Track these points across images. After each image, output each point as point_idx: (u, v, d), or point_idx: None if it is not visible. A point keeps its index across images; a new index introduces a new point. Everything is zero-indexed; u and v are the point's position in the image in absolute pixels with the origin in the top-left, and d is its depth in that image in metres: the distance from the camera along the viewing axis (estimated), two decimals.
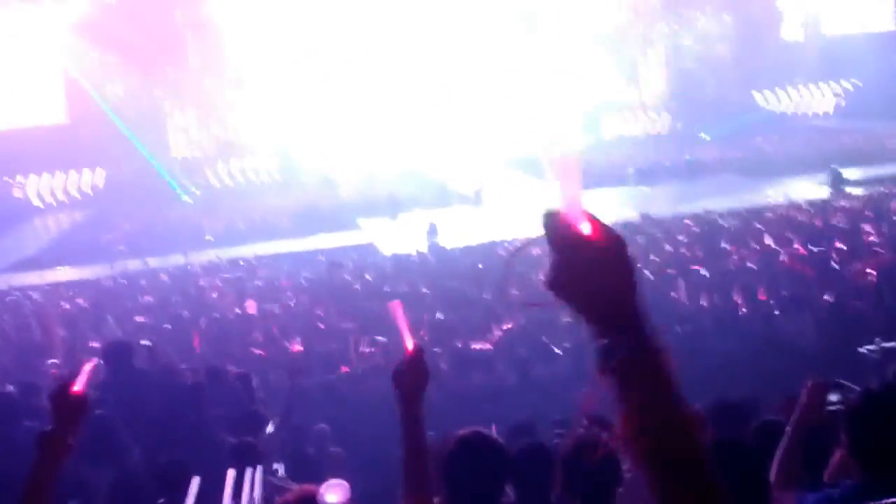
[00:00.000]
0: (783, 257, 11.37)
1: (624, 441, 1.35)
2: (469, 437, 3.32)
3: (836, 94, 35.23)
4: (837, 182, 20.89)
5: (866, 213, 15.24)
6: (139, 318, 12.11)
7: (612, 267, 1.35)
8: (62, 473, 2.71)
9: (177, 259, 19.18)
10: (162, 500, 4.82)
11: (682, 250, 13.20)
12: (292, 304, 12.79)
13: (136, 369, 7.25)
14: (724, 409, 4.59)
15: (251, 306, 12.41)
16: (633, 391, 1.35)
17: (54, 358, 9.29)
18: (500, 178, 27.79)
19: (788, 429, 3.62)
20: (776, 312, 9.08)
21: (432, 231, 18.99)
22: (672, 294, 10.19)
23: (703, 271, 11.16)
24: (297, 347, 9.13)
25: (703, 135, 32.61)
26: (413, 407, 2.88)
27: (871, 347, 7.20)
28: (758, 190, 21.76)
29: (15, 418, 6.10)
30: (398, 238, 20.20)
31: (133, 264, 18.77)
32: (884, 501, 2.69)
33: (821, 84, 35.35)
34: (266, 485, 4.43)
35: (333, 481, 2.53)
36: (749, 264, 11.47)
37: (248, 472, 4.18)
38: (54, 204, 30.58)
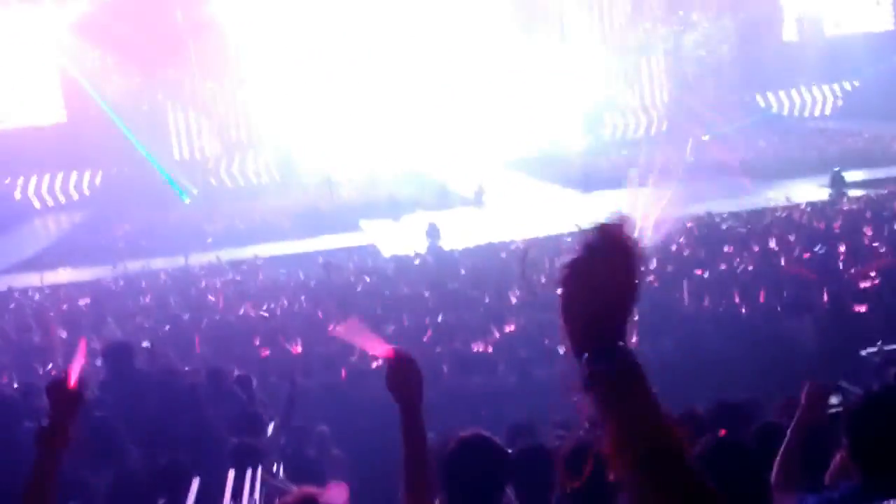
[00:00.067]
0: (783, 261, 11.37)
1: (609, 457, 1.35)
2: (469, 439, 3.32)
3: (836, 96, 35.26)
4: (839, 184, 20.89)
5: (867, 214, 15.25)
6: (139, 319, 12.12)
7: (625, 285, 1.36)
8: (63, 472, 2.72)
9: (177, 260, 19.17)
10: (162, 501, 4.82)
11: (684, 252, 13.21)
12: (290, 304, 12.79)
13: (136, 370, 7.25)
14: (725, 411, 4.59)
15: (251, 308, 12.41)
16: (618, 408, 1.35)
17: (54, 359, 9.30)
18: (501, 179, 27.80)
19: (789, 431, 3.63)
20: (777, 314, 9.08)
21: (433, 232, 18.97)
22: (675, 296, 10.19)
23: (705, 274, 11.15)
24: (298, 349, 9.14)
25: (704, 136, 32.61)
26: (411, 410, 2.88)
27: (871, 350, 7.20)
28: (759, 192, 21.75)
29: (16, 419, 6.10)
30: (400, 239, 20.20)
31: (133, 265, 18.76)
32: None
33: (823, 85, 35.39)
34: (266, 486, 4.43)
35: (333, 483, 2.53)
36: (750, 267, 11.47)
37: (248, 473, 4.18)
38: (50, 204, 30.58)
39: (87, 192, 31.13)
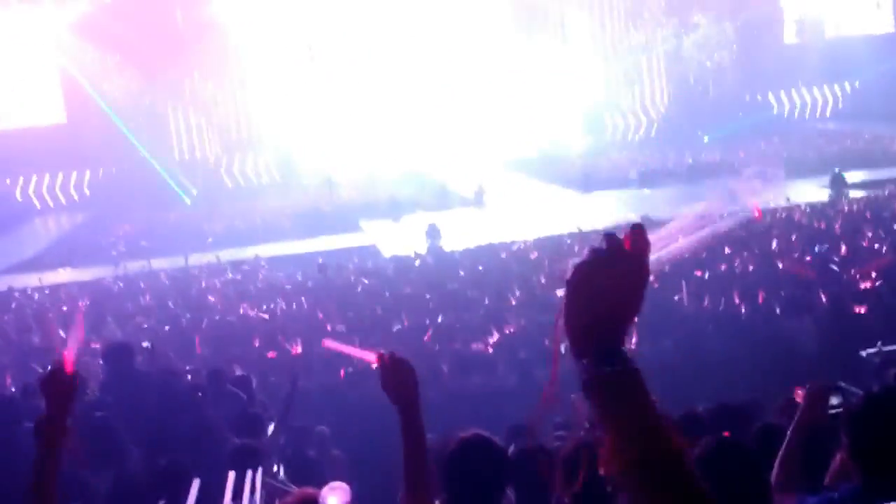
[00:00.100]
0: (783, 262, 11.37)
1: (607, 460, 1.36)
2: (469, 439, 3.32)
3: (836, 97, 35.27)
4: (839, 184, 20.89)
5: (867, 215, 15.24)
6: (139, 320, 12.12)
7: (631, 294, 1.37)
8: (63, 473, 2.72)
9: (177, 260, 19.18)
10: (162, 502, 4.81)
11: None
12: (289, 305, 12.78)
13: (136, 370, 7.25)
14: (725, 412, 4.59)
15: (251, 308, 12.41)
16: (616, 412, 1.35)
17: (54, 359, 9.28)
18: (501, 179, 27.81)
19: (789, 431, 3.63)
20: (777, 315, 9.07)
21: (433, 233, 18.97)
22: (675, 297, 10.18)
23: (705, 274, 11.15)
24: (297, 349, 9.13)
25: (704, 137, 32.63)
26: (408, 410, 2.88)
27: (871, 350, 7.19)
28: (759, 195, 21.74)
29: (15, 419, 6.09)
30: (400, 240, 20.20)
31: (133, 266, 18.76)
32: None
33: (824, 87, 35.40)
34: (266, 487, 4.43)
35: (334, 484, 2.53)
36: (750, 267, 11.47)
37: (249, 474, 4.18)
38: (51, 204, 30.58)
39: (87, 193, 31.15)
